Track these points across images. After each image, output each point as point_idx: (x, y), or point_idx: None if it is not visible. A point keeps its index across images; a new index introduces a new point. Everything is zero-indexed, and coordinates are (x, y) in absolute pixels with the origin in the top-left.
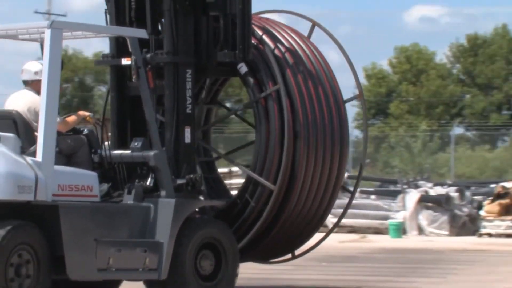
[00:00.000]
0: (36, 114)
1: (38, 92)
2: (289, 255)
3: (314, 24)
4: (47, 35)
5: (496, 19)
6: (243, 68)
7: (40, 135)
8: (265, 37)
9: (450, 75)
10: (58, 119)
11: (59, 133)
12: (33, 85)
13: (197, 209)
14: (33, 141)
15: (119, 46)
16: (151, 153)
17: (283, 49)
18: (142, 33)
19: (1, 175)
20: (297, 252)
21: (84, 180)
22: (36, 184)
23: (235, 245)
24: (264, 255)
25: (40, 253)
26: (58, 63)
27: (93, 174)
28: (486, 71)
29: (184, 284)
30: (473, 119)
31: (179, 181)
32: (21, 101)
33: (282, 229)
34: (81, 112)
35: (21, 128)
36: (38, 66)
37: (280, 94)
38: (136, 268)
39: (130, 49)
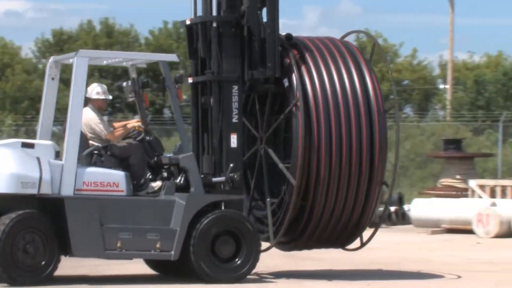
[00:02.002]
0: (89, 127)
1: (98, 108)
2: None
3: (374, 44)
4: (74, 62)
5: (82, 15)
6: (285, 82)
7: (65, 143)
8: (306, 55)
9: (36, 70)
10: (105, 132)
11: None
12: (94, 102)
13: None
14: (87, 147)
15: (197, 67)
16: (180, 156)
17: (321, 65)
18: (170, 57)
19: (6, 174)
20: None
21: (111, 178)
22: (40, 181)
23: (254, 234)
24: (315, 245)
25: (48, 236)
26: (83, 85)
27: (120, 173)
28: None
29: (197, 264)
30: None
31: (216, 179)
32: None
33: (320, 223)
34: (130, 125)
35: None
36: (99, 88)
37: (309, 104)
38: (148, 250)
39: (162, 71)
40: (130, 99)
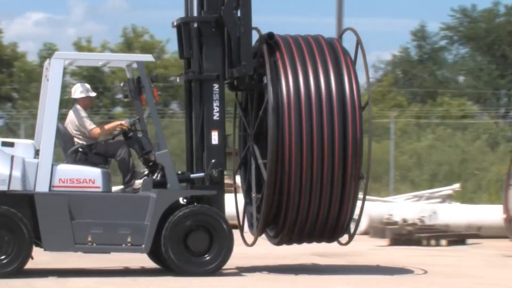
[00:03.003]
0: (74, 124)
1: (84, 106)
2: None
3: (358, 43)
4: (50, 64)
5: None
6: (264, 80)
7: (41, 142)
8: (284, 53)
9: None
10: (89, 129)
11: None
12: (79, 101)
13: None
14: (71, 146)
15: (188, 66)
16: (156, 153)
17: (298, 62)
18: (146, 57)
19: None
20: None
21: (87, 175)
22: (10, 178)
23: (227, 231)
24: (301, 239)
25: (17, 231)
26: (58, 86)
27: (97, 170)
28: None
29: (167, 255)
30: None
31: (193, 176)
32: (68, 117)
33: (297, 218)
34: (114, 124)
35: (62, 137)
36: (81, 87)
37: (282, 101)
38: (120, 244)
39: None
40: (127, 99)
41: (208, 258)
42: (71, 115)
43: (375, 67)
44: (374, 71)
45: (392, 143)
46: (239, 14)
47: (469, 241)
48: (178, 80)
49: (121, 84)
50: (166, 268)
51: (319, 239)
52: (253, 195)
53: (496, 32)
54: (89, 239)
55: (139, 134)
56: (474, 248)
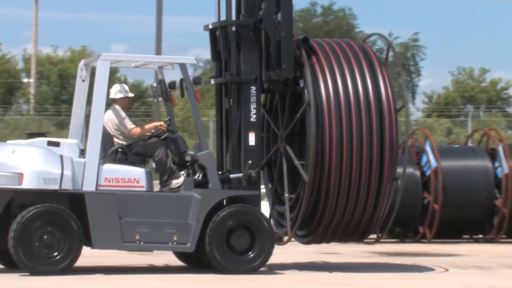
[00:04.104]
0: (114, 124)
1: (122, 107)
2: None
3: (389, 45)
4: (97, 65)
5: None
6: (301, 83)
7: (87, 142)
8: (321, 57)
9: None
10: (128, 129)
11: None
12: (119, 101)
13: None
14: (110, 145)
15: (220, 69)
16: (199, 153)
17: (335, 66)
18: (189, 60)
19: (30, 171)
20: None
21: (131, 174)
22: (62, 177)
23: (268, 229)
24: (332, 238)
25: (67, 229)
26: (104, 87)
27: (141, 170)
28: None
29: (212, 254)
30: None
31: (233, 176)
32: (106, 117)
33: (333, 218)
34: (153, 124)
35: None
36: (120, 88)
37: (321, 104)
38: (166, 242)
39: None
40: (159, 100)
41: (251, 255)
42: (110, 115)
43: (195, 66)
44: (194, 70)
45: (211, 141)
46: (278, 18)
47: None
48: (212, 82)
49: (152, 85)
50: (191, 265)
51: (349, 239)
52: (286, 195)
53: (313, 32)
54: (137, 237)
55: (172, 135)
56: (293, 245)
